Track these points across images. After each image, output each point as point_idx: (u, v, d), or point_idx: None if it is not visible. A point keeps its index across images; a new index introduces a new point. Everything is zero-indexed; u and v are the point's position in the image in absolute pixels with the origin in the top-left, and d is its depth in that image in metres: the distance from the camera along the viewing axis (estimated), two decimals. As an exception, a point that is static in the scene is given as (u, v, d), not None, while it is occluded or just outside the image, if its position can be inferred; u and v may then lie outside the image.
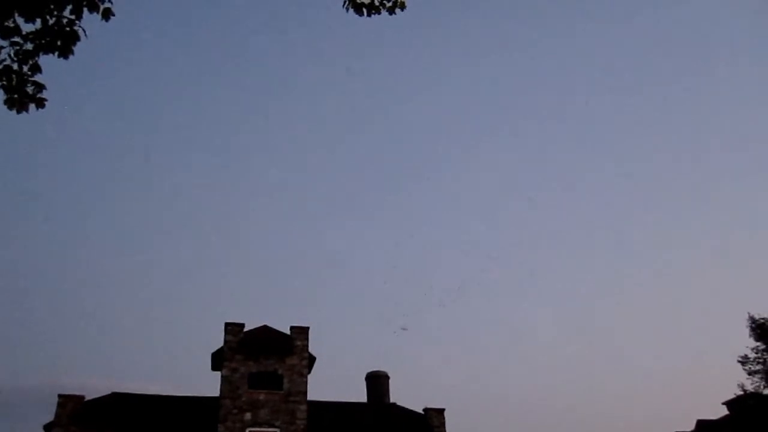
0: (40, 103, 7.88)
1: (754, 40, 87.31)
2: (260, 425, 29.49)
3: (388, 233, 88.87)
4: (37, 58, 7.74)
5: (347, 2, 8.88)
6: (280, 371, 30.59)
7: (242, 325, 31.38)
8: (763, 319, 35.68)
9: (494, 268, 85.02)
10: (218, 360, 31.13)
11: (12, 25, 7.49)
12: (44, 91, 7.86)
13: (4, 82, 7.70)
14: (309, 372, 31.33)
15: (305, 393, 30.37)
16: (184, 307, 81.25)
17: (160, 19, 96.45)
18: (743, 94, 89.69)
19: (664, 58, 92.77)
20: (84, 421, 28.94)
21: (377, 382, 36.17)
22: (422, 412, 32.83)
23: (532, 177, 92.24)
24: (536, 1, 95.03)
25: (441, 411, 32.42)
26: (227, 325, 31.22)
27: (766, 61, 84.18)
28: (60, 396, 29.48)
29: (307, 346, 31.37)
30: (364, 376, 36.71)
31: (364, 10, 8.90)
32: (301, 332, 31.61)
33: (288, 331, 31.77)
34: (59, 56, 7.76)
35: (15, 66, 7.69)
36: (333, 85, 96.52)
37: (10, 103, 7.77)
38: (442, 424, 32.01)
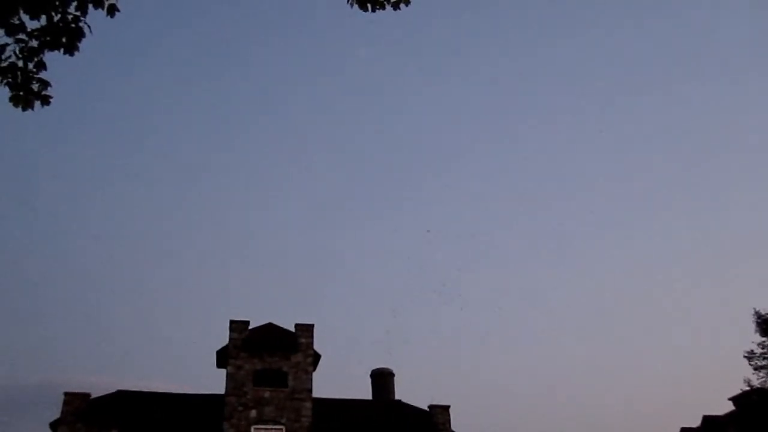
0: (45, 101, 7.86)
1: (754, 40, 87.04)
2: (265, 422, 29.55)
3: (393, 231, 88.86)
4: (42, 55, 7.72)
5: (352, -3, 8.85)
6: (285, 369, 30.62)
7: (247, 323, 31.43)
8: (768, 314, 35.53)
9: (498, 265, 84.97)
10: (223, 357, 31.18)
11: (17, 21, 7.48)
12: (49, 88, 7.84)
13: (10, 79, 7.68)
14: (314, 369, 31.35)
15: (310, 390, 30.40)
16: (189, 304, 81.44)
17: (165, 15, 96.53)
18: (745, 94, 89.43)
19: (667, 60, 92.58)
20: (90, 418, 29.03)
21: (382, 379, 36.18)
22: (427, 410, 32.83)
23: (536, 175, 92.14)
24: (542, 5, 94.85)
25: (446, 408, 32.41)
26: (232, 322, 31.27)
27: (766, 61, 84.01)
28: (66, 394, 29.58)
29: (312, 343, 31.39)
30: (369, 373, 36.72)
31: (369, 6, 8.87)
32: (306, 330, 31.63)
33: (293, 329, 31.80)
34: (64, 53, 7.74)
35: (20, 63, 7.67)
36: (336, 83, 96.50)
37: (15, 101, 7.75)
38: (447, 422, 32.01)
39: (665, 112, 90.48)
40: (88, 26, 7.69)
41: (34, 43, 7.65)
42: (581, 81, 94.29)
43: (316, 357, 31.63)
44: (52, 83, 7.83)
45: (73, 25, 7.64)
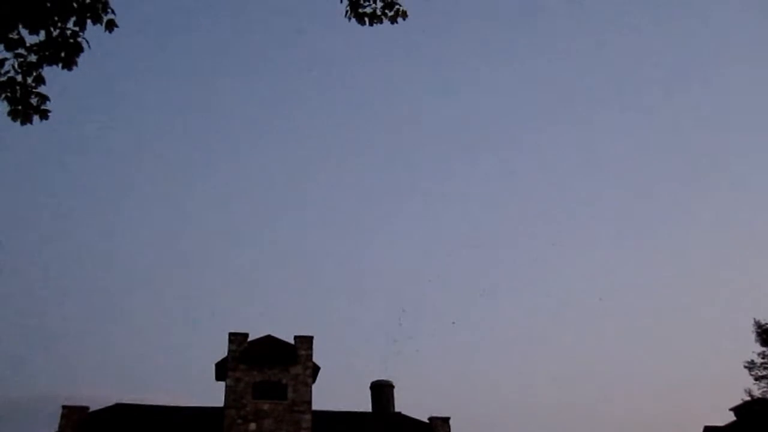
0: (44, 115, 7.91)
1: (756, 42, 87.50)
2: (265, 435, 29.39)
3: (392, 242, 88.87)
4: (40, 70, 7.78)
5: (349, 12, 8.95)
6: (284, 381, 30.53)
7: (246, 335, 31.37)
8: (768, 324, 35.55)
9: (499, 273, 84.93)
10: (222, 370, 31.10)
11: (16, 36, 7.54)
12: (48, 102, 7.89)
13: (8, 94, 7.74)
14: (313, 381, 31.26)
15: (310, 403, 30.29)
16: (188, 316, 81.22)
17: (163, 29, 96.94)
18: (744, 97, 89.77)
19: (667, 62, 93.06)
20: (88, 432, 28.90)
21: (382, 391, 36.05)
22: (427, 421, 32.74)
23: (536, 181, 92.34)
24: (540, 11, 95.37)
25: (446, 420, 32.33)
26: (231, 334, 31.20)
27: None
28: (64, 407, 29.46)
29: (311, 355, 31.31)
30: (369, 385, 36.60)
31: (366, 20, 8.97)
32: (305, 342, 31.57)
33: (292, 341, 31.73)
34: (63, 68, 7.80)
35: (19, 78, 7.73)
36: (335, 92, 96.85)
37: (14, 115, 7.81)
38: (448, 433, 31.90)
39: (667, 115, 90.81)
40: (87, 41, 7.76)
41: (33, 58, 7.71)
42: (581, 89, 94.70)
43: (316, 369, 31.55)
44: (50, 97, 7.89)
45: (71, 40, 7.70)
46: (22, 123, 7.85)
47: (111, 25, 7.83)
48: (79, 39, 7.71)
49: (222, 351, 31.17)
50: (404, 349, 70.52)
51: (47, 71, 7.81)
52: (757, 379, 35.06)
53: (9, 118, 7.83)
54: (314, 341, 31.67)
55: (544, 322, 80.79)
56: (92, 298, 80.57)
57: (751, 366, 35.33)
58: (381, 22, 8.99)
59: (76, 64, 7.79)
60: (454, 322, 73.22)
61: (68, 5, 7.55)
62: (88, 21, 7.70)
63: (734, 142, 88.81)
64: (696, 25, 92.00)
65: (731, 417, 32.48)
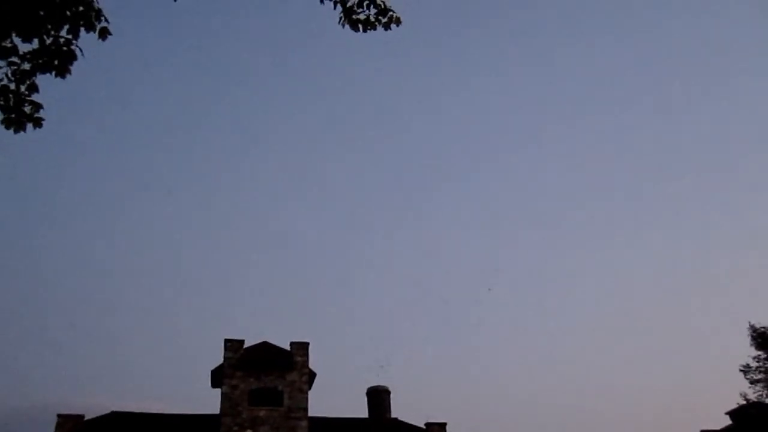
0: (38, 123, 7.90)
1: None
2: (261, 442, 29.30)
3: (390, 247, 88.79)
4: (34, 78, 7.77)
5: (342, 18, 8.95)
6: (280, 387, 30.47)
7: (242, 342, 31.32)
8: (763, 328, 35.72)
9: (498, 279, 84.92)
10: (218, 377, 31.02)
11: (9, 45, 7.53)
12: (41, 110, 7.88)
13: (2, 102, 7.72)
14: (309, 388, 31.21)
15: (306, 409, 30.24)
16: (183, 323, 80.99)
17: (157, 35, 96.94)
18: (740, 98, 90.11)
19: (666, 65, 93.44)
20: (83, 440, 28.74)
21: (378, 397, 35.96)
22: (423, 427, 32.69)
23: (535, 186, 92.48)
24: (534, 17, 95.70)
25: (443, 425, 32.28)
26: (227, 341, 31.15)
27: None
28: (59, 416, 29.33)
29: (307, 361, 31.27)
30: (365, 391, 36.52)
31: (360, 26, 8.96)
32: (301, 348, 31.53)
33: (288, 347, 31.69)
34: (56, 76, 7.79)
35: (12, 86, 7.72)
36: (334, 95, 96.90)
37: (7, 123, 7.79)
38: (444, 439, 31.84)
39: (666, 116, 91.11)
40: (80, 49, 7.75)
41: (26, 66, 7.70)
42: (577, 91, 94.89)
43: (312, 375, 31.50)
44: (44, 105, 7.88)
45: (65, 48, 7.70)
46: (16, 131, 7.83)
47: (104, 33, 7.83)
48: (73, 47, 7.71)
49: (218, 358, 31.13)
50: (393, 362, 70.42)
51: (41, 79, 7.82)
52: (753, 382, 35.20)
53: (2, 127, 7.82)
54: (310, 347, 31.66)
55: (542, 324, 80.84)
56: (88, 305, 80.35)
57: (746, 370, 35.46)
58: (375, 29, 8.98)
59: (69, 72, 7.79)
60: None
61: (61, 13, 7.55)
62: (82, 29, 7.70)
63: (734, 143, 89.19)
64: (696, 24, 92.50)
65: (727, 420, 32.47)
